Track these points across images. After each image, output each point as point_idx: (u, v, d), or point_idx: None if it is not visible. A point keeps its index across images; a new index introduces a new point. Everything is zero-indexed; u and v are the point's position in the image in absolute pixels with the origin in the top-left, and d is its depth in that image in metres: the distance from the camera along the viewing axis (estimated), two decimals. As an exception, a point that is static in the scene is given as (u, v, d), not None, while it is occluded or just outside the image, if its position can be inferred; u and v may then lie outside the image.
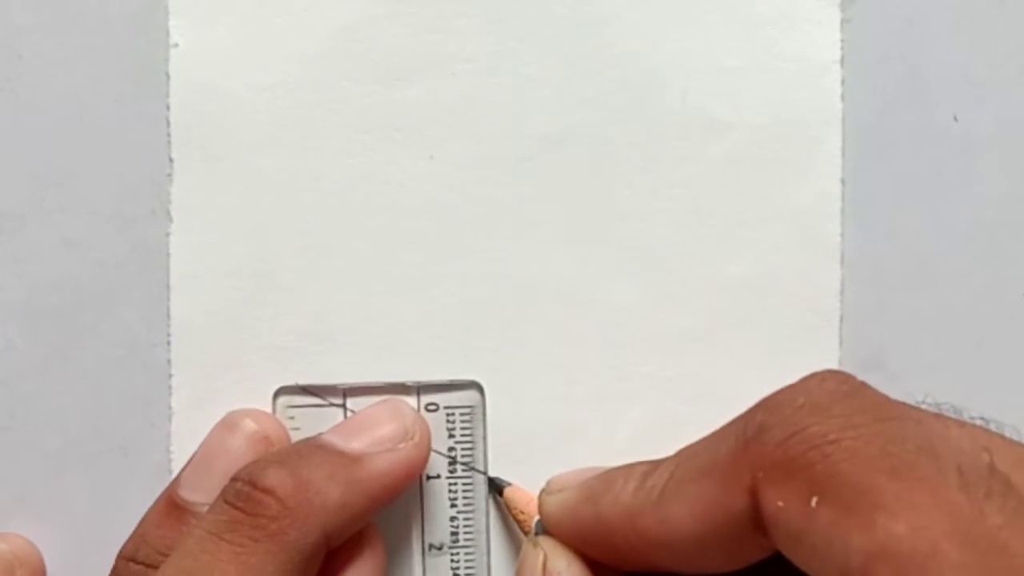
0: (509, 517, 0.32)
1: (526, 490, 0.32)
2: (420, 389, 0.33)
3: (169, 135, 0.33)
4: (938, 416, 0.24)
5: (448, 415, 0.33)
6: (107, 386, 0.33)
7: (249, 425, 0.32)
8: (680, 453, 0.27)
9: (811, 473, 0.23)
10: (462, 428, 0.33)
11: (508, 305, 0.33)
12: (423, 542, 0.33)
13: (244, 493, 0.29)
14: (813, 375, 0.25)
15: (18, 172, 0.33)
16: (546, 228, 0.33)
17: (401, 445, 0.31)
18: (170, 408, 0.32)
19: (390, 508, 0.32)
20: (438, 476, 0.33)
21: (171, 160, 0.33)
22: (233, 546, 0.28)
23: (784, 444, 0.23)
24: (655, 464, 0.27)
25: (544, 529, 0.29)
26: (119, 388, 0.32)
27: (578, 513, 0.28)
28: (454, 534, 0.33)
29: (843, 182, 0.33)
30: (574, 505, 0.28)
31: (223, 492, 0.29)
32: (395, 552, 0.33)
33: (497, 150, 0.33)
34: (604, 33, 0.33)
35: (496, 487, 0.32)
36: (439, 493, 0.33)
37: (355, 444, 0.30)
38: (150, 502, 0.31)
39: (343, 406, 0.33)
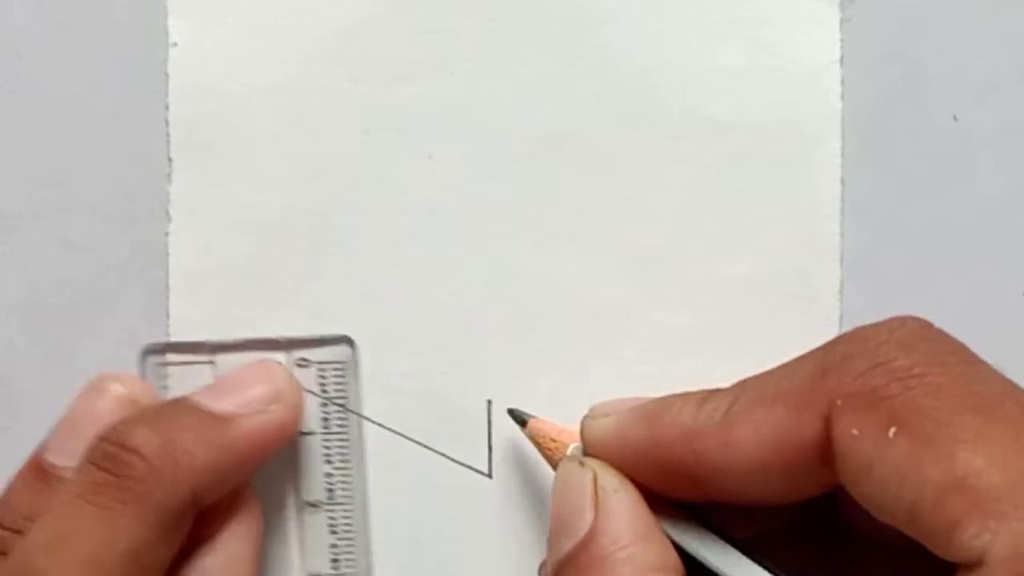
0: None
1: (546, 420, 0.31)
2: (291, 344, 0.32)
3: (168, 135, 0.33)
4: (1009, 379, 0.24)
5: (320, 371, 0.32)
6: (107, 386, 0.33)
7: (117, 388, 0.31)
8: (745, 381, 0.26)
9: (892, 404, 0.23)
10: (335, 384, 0.32)
11: (508, 305, 0.33)
12: (299, 499, 0.33)
13: (110, 454, 0.29)
14: (895, 317, 0.25)
15: (18, 172, 0.33)
16: (546, 228, 0.33)
17: (272, 407, 0.31)
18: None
19: (265, 467, 0.31)
20: (312, 432, 0.33)
21: (170, 160, 0.33)
22: (100, 508, 0.28)
23: (866, 374, 0.23)
24: (714, 391, 0.27)
25: (585, 453, 0.29)
26: (119, 388, 0.32)
27: (630, 435, 0.27)
28: (330, 490, 0.32)
29: (843, 182, 0.33)
30: (625, 427, 0.28)
31: (88, 453, 0.29)
32: (271, 511, 0.32)
33: (497, 150, 0.33)
34: (604, 33, 0.33)
35: (518, 419, 0.31)
36: (313, 450, 0.33)
37: (225, 405, 0.30)
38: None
39: (211, 362, 0.32)
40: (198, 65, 0.33)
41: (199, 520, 0.30)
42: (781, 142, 0.33)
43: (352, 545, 0.32)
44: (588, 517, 0.26)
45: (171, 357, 0.32)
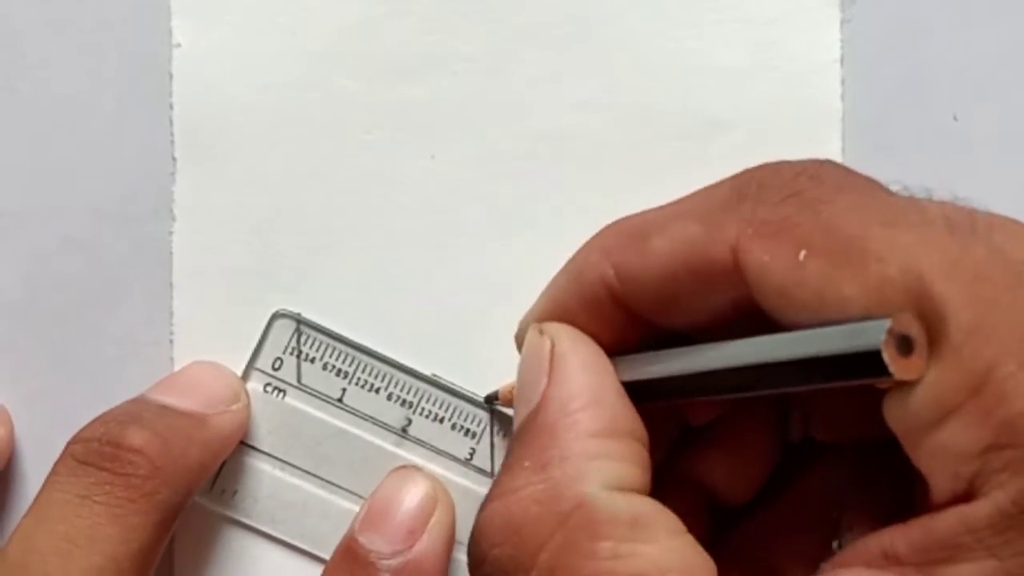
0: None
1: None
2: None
3: (172, 135, 0.33)
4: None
5: None
6: (109, 385, 0.33)
7: (228, 376, 0.32)
8: (663, 205, 0.26)
9: (801, 230, 0.22)
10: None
11: (509, 305, 0.33)
12: None
13: (109, 454, 0.29)
14: (812, 158, 0.25)
15: (21, 171, 0.33)
16: (546, 228, 0.33)
17: (234, 406, 0.31)
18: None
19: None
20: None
21: (174, 159, 0.33)
22: (110, 507, 0.28)
23: (778, 204, 0.23)
24: (632, 214, 0.27)
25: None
26: (121, 387, 0.32)
27: (556, 293, 0.27)
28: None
29: (843, 181, 0.33)
30: (551, 292, 0.28)
31: (74, 453, 0.29)
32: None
33: (497, 150, 0.33)
34: (604, 33, 0.33)
35: (490, 399, 0.32)
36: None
37: (195, 405, 0.30)
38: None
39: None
40: (202, 65, 0.33)
41: None
42: (781, 142, 0.33)
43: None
44: (541, 384, 0.25)
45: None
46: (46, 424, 0.33)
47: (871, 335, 0.21)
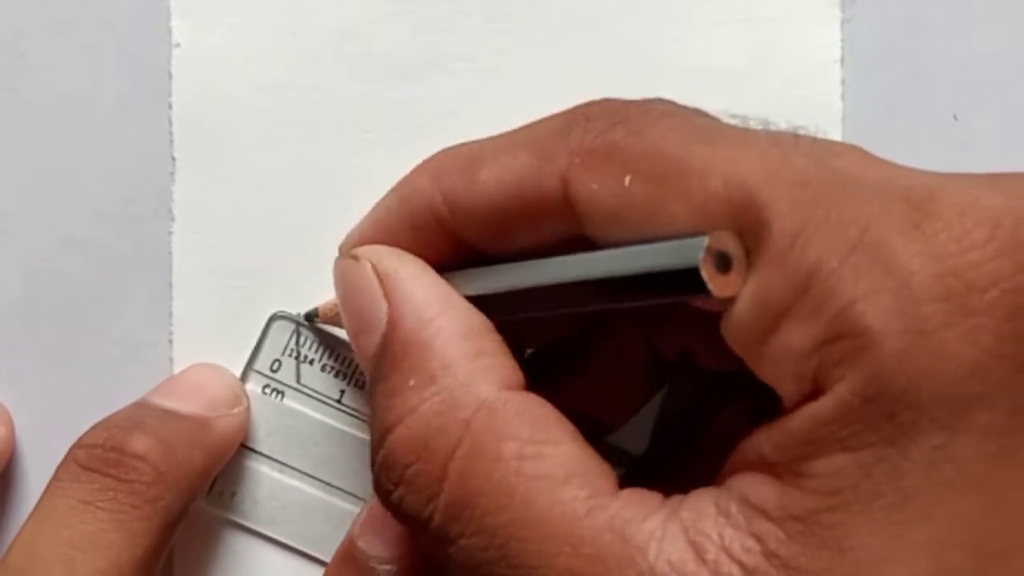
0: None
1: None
2: None
3: (171, 134, 0.33)
4: None
5: None
6: (109, 385, 0.33)
7: (228, 378, 0.32)
8: (492, 137, 0.26)
9: (626, 154, 0.23)
10: None
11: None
12: None
13: (112, 460, 0.29)
14: (645, 98, 0.25)
15: (20, 171, 0.33)
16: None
17: (235, 409, 0.31)
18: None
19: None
20: None
21: (173, 159, 0.33)
22: (114, 513, 0.28)
23: (606, 132, 0.23)
24: (465, 142, 0.27)
25: None
26: (121, 387, 0.32)
27: (382, 215, 0.27)
28: None
29: (843, 181, 0.33)
30: (375, 222, 0.27)
31: (77, 458, 0.29)
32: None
33: (498, 150, 0.33)
34: (604, 32, 0.33)
35: (310, 316, 0.32)
36: None
37: (197, 409, 0.31)
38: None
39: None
40: (201, 65, 0.33)
41: None
42: (782, 142, 0.33)
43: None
44: (382, 306, 0.25)
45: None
46: (46, 424, 0.33)
47: (688, 253, 0.21)
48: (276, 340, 0.32)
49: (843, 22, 0.33)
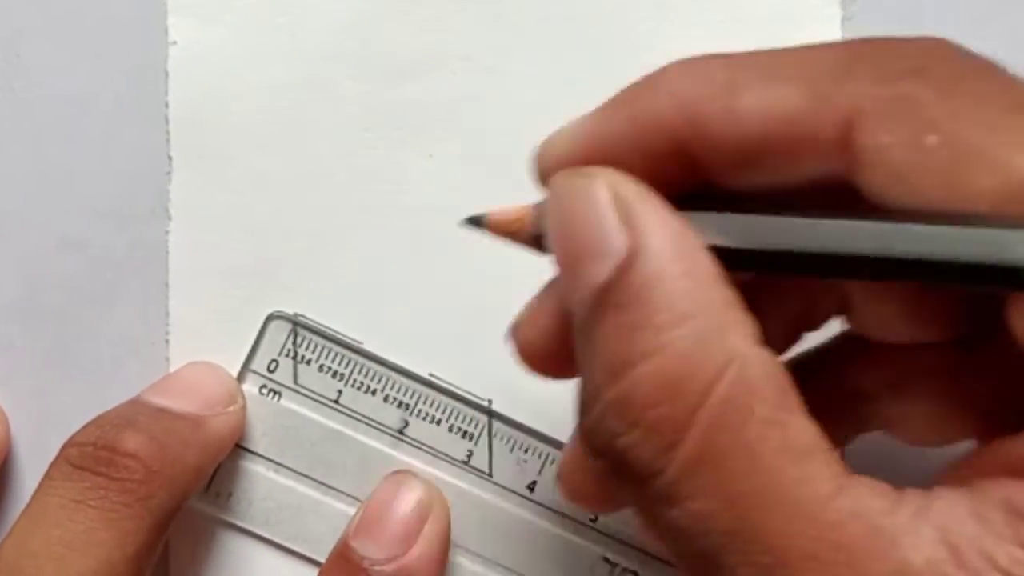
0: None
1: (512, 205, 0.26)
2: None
3: (168, 133, 0.33)
4: None
5: None
6: (105, 384, 0.33)
7: (226, 377, 0.32)
8: (746, 53, 0.23)
9: (929, 111, 0.20)
10: None
11: (509, 305, 0.33)
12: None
13: (104, 459, 0.28)
14: (926, 36, 0.22)
15: (17, 170, 0.33)
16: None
17: (231, 408, 0.31)
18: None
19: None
20: None
21: (170, 158, 0.33)
22: (105, 512, 0.28)
23: (902, 79, 0.21)
24: (707, 56, 0.23)
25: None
26: (117, 386, 0.32)
27: (605, 129, 0.23)
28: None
29: (844, 181, 0.33)
30: (597, 123, 0.24)
31: (69, 457, 0.29)
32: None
33: (497, 149, 0.33)
34: (604, 31, 0.33)
35: (475, 223, 0.26)
36: None
37: (192, 407, 0.30)
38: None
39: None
40: (198, 64, 0.33)
41: None
42: (783, 141, 0.33)
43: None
44: (620, 233, 0.22)
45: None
46: (41, 423, 0.33)
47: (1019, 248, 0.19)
48: (273, 340, 0.32)
49: (843, 20, 0.32)
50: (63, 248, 0.33)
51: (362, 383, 0.32)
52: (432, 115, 0.33)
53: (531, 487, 0.32)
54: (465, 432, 0.32)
